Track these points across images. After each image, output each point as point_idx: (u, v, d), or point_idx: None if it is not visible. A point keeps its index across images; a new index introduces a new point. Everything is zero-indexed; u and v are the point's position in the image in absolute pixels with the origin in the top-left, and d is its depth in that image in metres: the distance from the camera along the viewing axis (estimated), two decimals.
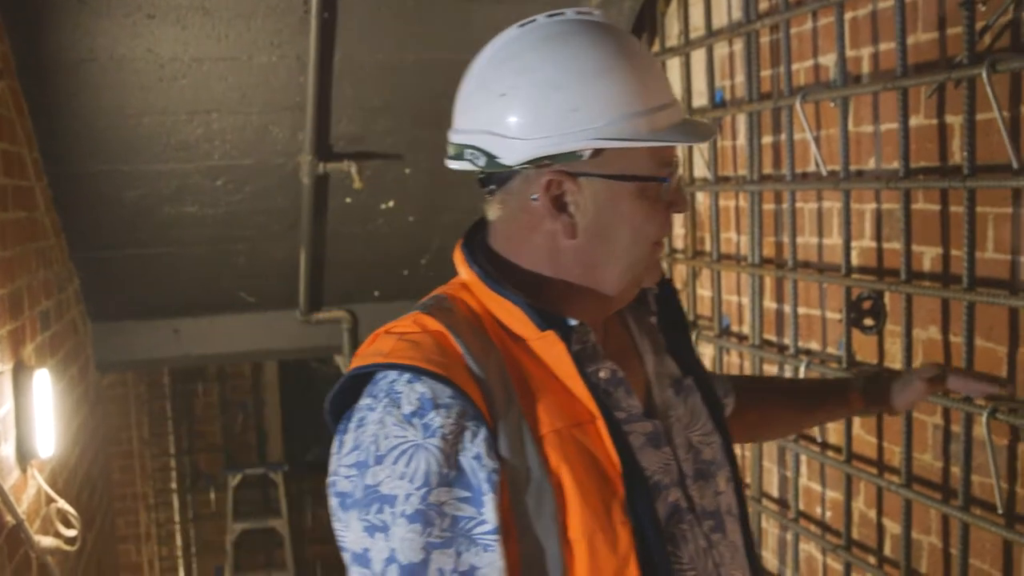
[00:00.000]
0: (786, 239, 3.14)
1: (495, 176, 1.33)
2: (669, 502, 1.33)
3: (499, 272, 1.34)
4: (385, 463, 1.18)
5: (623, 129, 1.26)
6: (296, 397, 7.73)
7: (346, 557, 1.22)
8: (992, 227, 2.39)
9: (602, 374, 1.33)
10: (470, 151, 1.33)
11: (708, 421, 1.46)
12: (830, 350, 3.05)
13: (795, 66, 3.10)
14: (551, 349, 1.28)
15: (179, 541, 7.81)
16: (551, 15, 1.34)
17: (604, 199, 1.30)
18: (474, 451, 1.19)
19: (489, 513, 1.19)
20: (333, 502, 1.24)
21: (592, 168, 1.28)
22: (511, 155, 1.28)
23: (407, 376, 1.22)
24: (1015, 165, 2.24)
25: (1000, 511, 2.33)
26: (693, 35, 3.69)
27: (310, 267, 4.46)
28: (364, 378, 1.27)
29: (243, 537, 7.45)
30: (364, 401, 1.24)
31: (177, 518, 7.77)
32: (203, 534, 7.78)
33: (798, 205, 3.14)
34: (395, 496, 1.17)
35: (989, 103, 2.26)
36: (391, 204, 4.39)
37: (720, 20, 3.51)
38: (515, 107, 1.28)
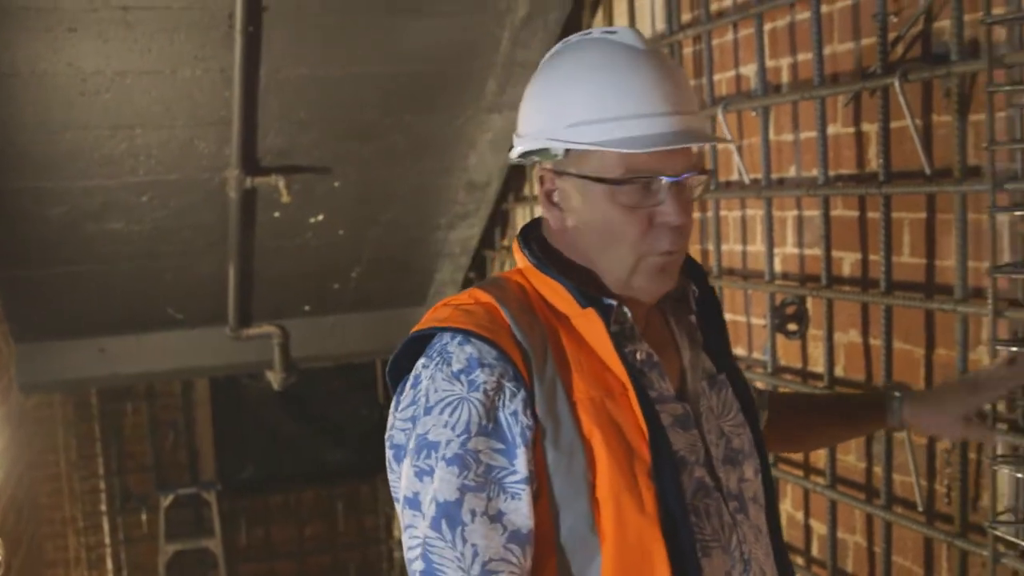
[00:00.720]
0: (711, 247, 3.19)
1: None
2: (695, 477, 1.41)
3: (547, 258, 1.46)
4: (433, 413, 1.32)
5: (583, 132, 1.37)
6: (228, 414, 7.62)
7: (399, 506, 1.36)
8: (908, 232, 2.46)
9: (639, 355, 1.43)
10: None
11: (739, 414, 1.54)
12: (756, 355, 3.10)
13: (717, 76, 3.16)
14: (590, 325, 1.39)
15: (110, 565, 7.64)
16: (584, 33, 1.47)
17: (582, 197, 1.41)
18: (512, 408, 1.32)
19: (520, 465, 1.31)
20: (389, 455, 1.39)
21: (570, 167, 1.41)
22: (515, 151, 1.47)
23: (459, 339, 1.35)
24: (928, 171, 2.31)
25: (920, 508, 2.39)
26: None
27: (239, 282, 4.42)
28: (423, 341, 1.40)
29: (176, 558, 7.31)
30: (420, 361, 1.38)
31: (108, 541, 7.61)
32: (134, 557, 7.63)
33: (722, 213, 3.19)
34: (439, 442, 1.30)
35: (902, 111, 2.32)
36: (320, 217, 4.37)
37: (644, 31, 3.55)
38: (523, 109, 1.47)
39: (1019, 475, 2.06)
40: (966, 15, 2.18)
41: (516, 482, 1.30)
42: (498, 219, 4.93)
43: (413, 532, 1.33)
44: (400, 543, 7.09)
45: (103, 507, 7.61)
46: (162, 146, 3.81)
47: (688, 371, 1.50)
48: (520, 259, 1.49)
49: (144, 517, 7.61)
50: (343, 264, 4.69)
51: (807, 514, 2.91)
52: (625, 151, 1.34)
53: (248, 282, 4.50)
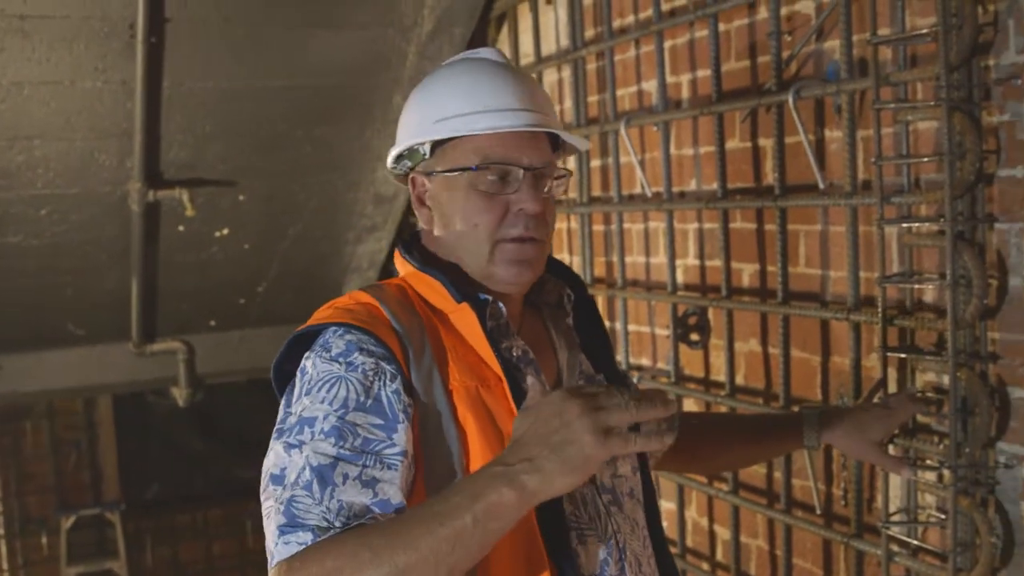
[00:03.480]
0: (615, 259, 3.24)
1: None
2: None
3: (426, 261, 1.56)
4: (311, 394, 1.36)
5: (440, 127, 1.52)
6: (132, 432, 7.45)
7: (263, 484, 1.34)
8: (803, 243, 2.54)
9: (514, 351, 1.50)
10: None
11: None
12: (660, 365, 3.16)
13: (620, 92, 3.22)
14: (465, 320, 1.47)
15: None
16: (451, 59, 1.64)
17: (446, 192, 1.53)
18: (393, 387, 1.37)
19: (400, 438, 1.34)
20: (270, 444, 1.38)
21: (436, 166, 1.54)
22: (389, 158, 1.61)
23: (339, 331, 1.41)
24: (821, 185, 2.39)
25: (818, 511, 2.47)
26: (523, 61, 3.78)
27: (142, 297, 4.33)
28: (305, 343, 1.45)
29: None
30: (304, 358, 1.42)
31: (6, 566, 7.38)
32: None
33: (626, 226, 3.25)
34: (315, 417, 1.33)
35: (796, 127, 2.40)
36: (225, 232, 4.32)
37: (549, 47, 3.60)
38: (399, 123, 1.61)
39: (904, 478, 2.13)
40: (855, 35, 2.27)
41: (394, 454, 1.33)
42: (406, 233, 4.93)
43: (268, 504, 1.31)
44: None
45: (1, 530, 7.38)
46: (61, 158, 3.72)
47: (564, 370, 1.58)
48: (401, 266, 1.59)
49: (44, 540, 7.39)
50: (249, 278, 4.63)
51: (711, 520, 2.97)
52: (477, 132, 1.49)
53: (152, 297, 4.41)
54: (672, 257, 2.94)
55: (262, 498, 1.33)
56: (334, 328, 1.42)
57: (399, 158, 1.59)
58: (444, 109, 1.52)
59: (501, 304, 1.51)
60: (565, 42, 3.48)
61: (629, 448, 1.20)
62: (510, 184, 1.50)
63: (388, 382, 1.37)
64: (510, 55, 3.85)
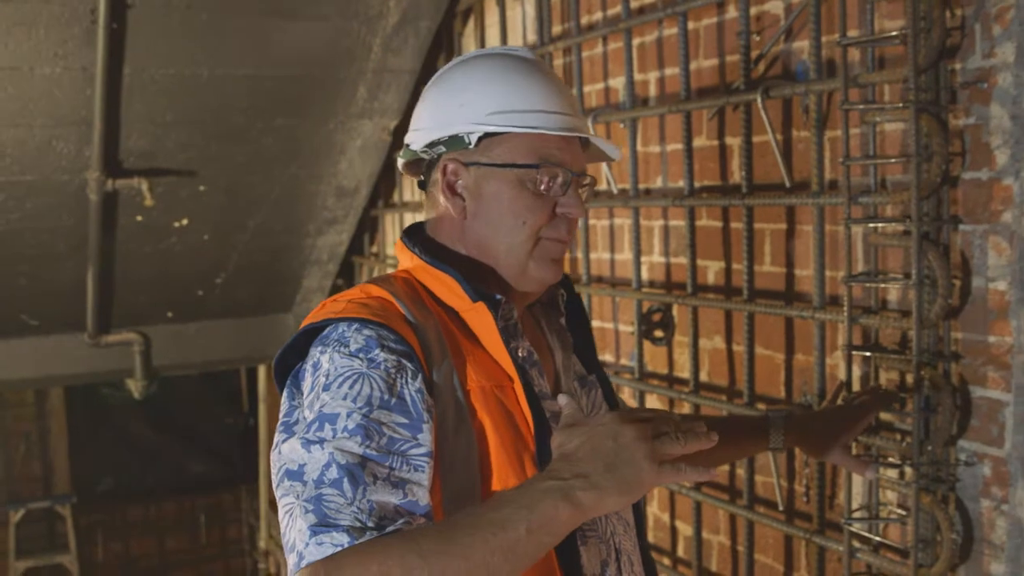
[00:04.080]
0: (580, 255, 3.25)
1: (425, 176, 1.58)
2: None
3: (434, 254, 1.53)
4: (331, 389, 1.31)
5: (498, 120, 1.49)
6: (85, 424, 7.36)
7: (277, 480, 1.29)
8: (769, 242, 2.56)
9: (520, 352, 1.50)
10: (401, 150, 1.60)
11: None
12: (623, 362, 3.17)
13: (587, 88, 3.22)
14: (480, 319, 1.45)
15: None
16: (483, 50, 1.63)
17: (488, 184, 1.51)
18: (416, 386, 1.34)
19: (425, 439, 1.31)
20: (277, 439, 1.34)
21: (479, 157, 1.51)
22: (417, 142, 1.55)
23: (355, 325, 1.37)
24: (788, 184, 2.41)
25: (781, 508, 2.49)
26: None
27: (98, 288, 4.28)
28: (313, 335, 1.41)
29: None
30: (316, 349, 1.38)
31: None
32: None
33: (591, 222, 3.26)
34: (337, 414, 1.28)
35: (764, 126, 2.42)
36: (185, 222, 4.27)
37: (515, 42, 3.60)
38: (426, 106, 1.58)
39: (867, 478, 2.16)
40: (824, 36, 2.29)
41: (419, 455, 1.30)
42: (367, 226, 4.91)
43: (288, 500, 1.26)
44: (265, 554, 6.95)
45: None
46: (18, 145, 3.65)
47: (561, 372, 1.59)
48: (407, 258, 1.55)
49: None
50: (208, 270, 4.58)
51: (673, 516, 2.99)
52: (544, 131, 1.49)
53: (108, 288, 4.35)
54: (638, 254, 2.95)
55: (277, 495, 1.29)
56: (349, 322, 1.38)
57: (433, 143, 1.54)
58: (501, 102, 1.50)
59: (512, 305, 1.51)
60: (532, 37, 3.48)
61: (680, 479, 1.24)
62: (558, 186, 1.50)
63: (411, 380, 1.34)
64: (476, 49, 3.84)
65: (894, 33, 2.05)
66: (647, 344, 3.00)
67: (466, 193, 1.53)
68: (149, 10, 3.41)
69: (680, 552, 2.96)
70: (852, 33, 2.21)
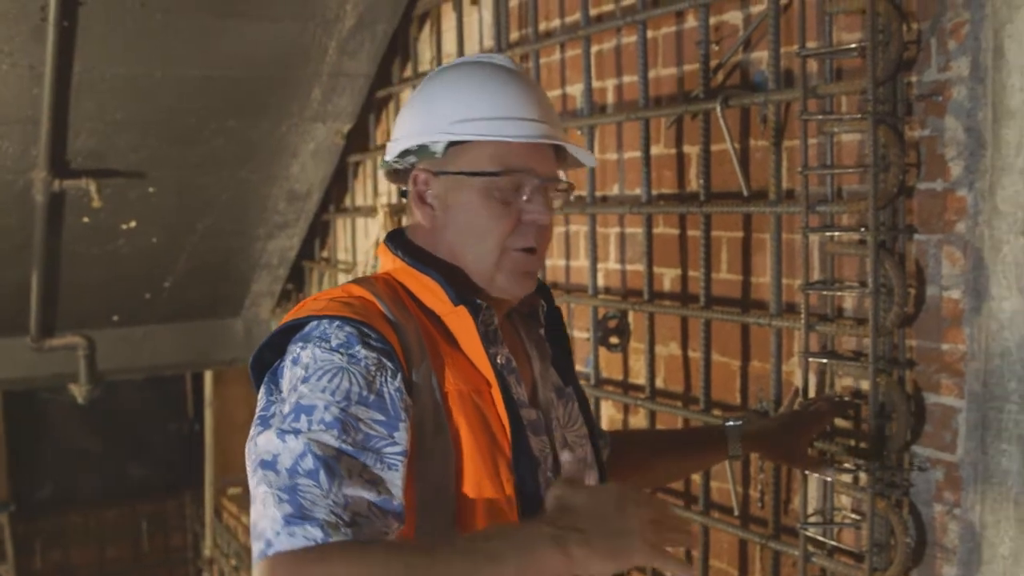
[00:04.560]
0: None
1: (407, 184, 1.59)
2: (547, 475, 1.49)
3: (416, 257, 1.54)
4: (309, 382, 1.31)
5: (461, 128, 1.50)
6: (23, 430, 7.20)
7: (251, 469, 1.28)
8: (726, 250, 2.58)
9: (500, 359, 1.51)
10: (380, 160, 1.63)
11: (583, 427, 1.63)
12: (579, 368, 3.18)
13: None
14: (461, 323, 1.46)
15: None
16: (463, 59, 1.65)
17: (456, 194, 1.51)
18: (395, 385, 1.34)
19: (401, 437, 1.31)
20: (253, 432, 1.33)
21: (447, 166, 1.52)
22: (391, 152, 1.57)
23: (337, 322, 1.37)
24: (745, 192, 2.44)
25: (736, 513, 2.51)
26: (446, 61, 3.75)
27: (42, 290, 4.19)
28: (292, 333, 1.40)
29: None
30: (294, 346, 1.37)
31: None
32: None
33: None
34: (314, 406, 1.28)
35: (723, 135, 2.44)
36: (133, 224, 4.21)
37: (472, 48, 3.60)
38: (402, 115, 1.59)
39: (827, 479, 2.19)
40: (782, 47, 2.32)
41: (395, 453, 1.30)
42: (318, 230, 4.87)
43: (262, 490, 1.25)
44: (209, 562, 6.83)
45: None
46: None
47: (539, 381, 1.59)
48: (388, 260, 1.56)
49: None
50: (156, 273, 4.52)
51: None
52: (503, 138, 1.48)
53: (53, 290, 4.27)
54: (594, 261, 2.97)
55: (251, 485, 1.28)
56: (331, 319, 1.38)
57: (406, 153, 1.56)
58: (466, 111, 1.51)
59: (493, 310, 1.51)
60: (489, 43, 3.48)
61: (665, 567, 1.28)
62: (523, 194, 1.50)
63: (390, 379, 1.34)
64: (432, 55, 3.84)
65: (853, 45, 2.09)
66: (603, 351, 3.01)
67: (436, 202, 1.53)
68: (102, 8, 3.36)
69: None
70: (811, 44, 2.24)
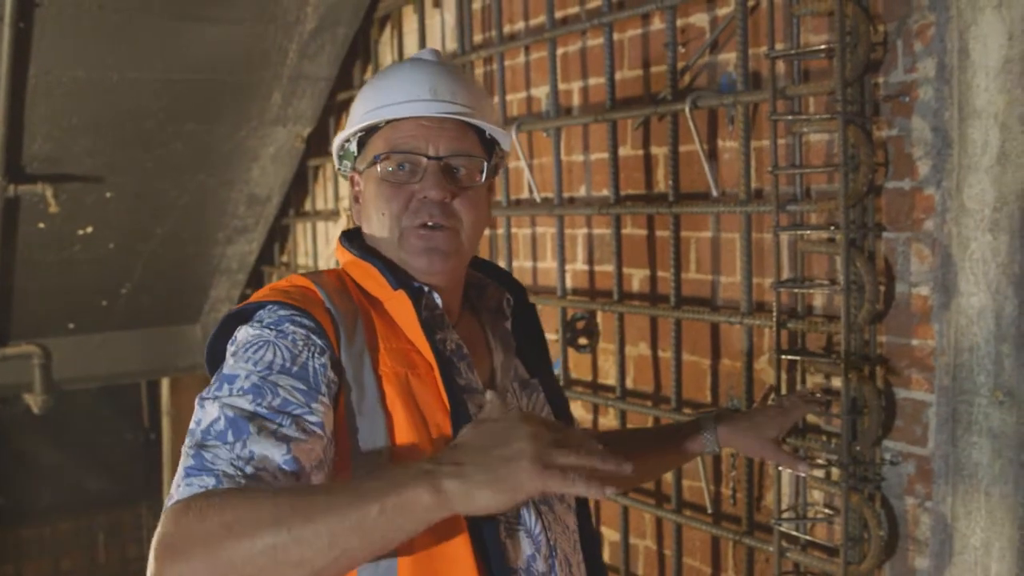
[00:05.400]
0: (502, 263, 3.25)
1: None
2: None
3: (364, 250, 1.56)
4: (237, 356, 1.34)
5: (361, 121, 1.55)
6: None
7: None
8: (695, 250, 2.60)
9: (449, 344, 1.50)
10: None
11: (550, 418, 1.57)
12: None
13: (509, 97, 3.24)
14: (401, 307, 1.47)
15: None
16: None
17: (367, 185, 1.56)
18: (321, 360, 1.35)
19: (318, 409, 1.31)
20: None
21: (361, 164, 1.58)
22: (337, 162, 1.64)
23: (274, 307, 1.41)
24: (715, 193, 2.46)
25: (709, 511, 2.53)
26: None
27: None
28: (238, 320, 1.43)
29: None
30: (236, 330, 1.41)
31: None
32: None
33: (513, 231, 3.27)
34: (236, 375, 1.31)
35: (690, 136, 2.46)
36: (90, 230, 4.14)
37: None
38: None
39: (801, 474, 2.22)
40: (750, 49, 2.35)
41: (312, 423, 1.29)
42: (277, 235, 4.84)
43: (183, 451, 1.27)
44: None
45: None
46: None
47: (498, 370, 1.58)
48: (341, 255, 1.59)
49: None
50: (113, 279, 4.45)
51: (598, 521, 3.01)
52: (370, 122, 1.52)
53: (6, 298, 4.19)
54: (562, 262, 2.97)
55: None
56: (269, 304, 1.42)
57: (340, 159, 1.63)
58: (366, 104, 1.56)
59: (436, 295, 1.52)
60: (452, 46, 3.48)
61: (566, 488, 1.15)
62: (417, 174, 1.51)
63: (316, 355, 1.35)
64: (394, 57, 3.83)
65: (823, 47, 2.12)
66: (571, 352, 3.02)
67: (362, 198, 1.59)
68: (58, 10, 3.31)
69: (607, 558, 2.99)
70: (779, 46, 2.26)
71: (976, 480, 1.95)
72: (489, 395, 1.31)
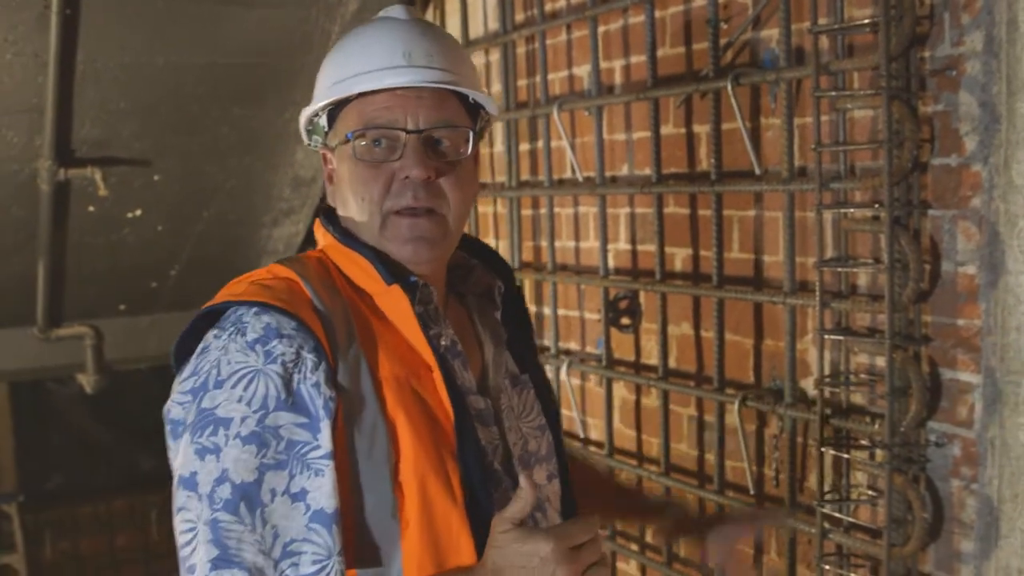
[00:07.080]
0: (544, 243, 3.25)
1: None
2: (493, 469, 1.40)
3: (348, 234, 1.42)
4: (224, 387, 1.23)
5: (329, 93, 1.41)
6: (31, 420, 7.19)
7: (175, 483, 1.24)
8: (737, 229, 2.58)
9: (443, 340, 1.40)
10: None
11: (540, 416, 1.52)
12: (589, 349, 3.18)
13: (551, 76, 3.22)
14: (396, 303, 1.35)
15: None
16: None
17: (339, 164, 1.42)
18: (313, 379, 1.25)
19: (324, 438, 1.24)
20: (167, 431, 1.27)
21: (332, 140, 1.44)
22: (304, 135, 1.52)
23: (255, 309, 1.27)
24: (757, 171, 2.43)
25: (752, 492, 2.51)
26: None
27: (49, 280, 4.18)
28: (213, 318, 1.31)
29: None
30: (211, 333, 1.29)
31: None
32: None
33: (556, 210, 3.26)
34: (231, 419, 1.21)
35: (732, 113, 2.43)
36: (138, 213, 4.19)
37: (477, 30, 3.58)
38: None
39: (845, 455, 2.19)
40: (793, 24, 2.31)
41: (320, 457, 1.23)
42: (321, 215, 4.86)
43: (187, 516, 1.22)
44: None
45: None
46: None
47: (490, 367, 1.48)
48: (322, 237, 1.45)
49: None
50: (162, 262, 4.51)
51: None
52: (336, 97, 1.38)
53: (59, 280, 4.26)
54: (604, 241, 2.96)
55: (175, 498, 1.24)
56: (249, 306, 1.28)
57: (310, 133, 1.50)
58: (335, 74, 1.41)
59: (433, 289, 1.40)
60: (494, 25, 3.46)
61: None
62: (396, 150, 1.36)
63: (308, 374, 1.25)
64: None
65: (867, 21, 2.08)
66: (614, 331, 3.01)
67: (336, 176, 1.45)
68: None
69: (648, 537, 2.98)
70: (821, 21, 2.23)
71: (1023, 463, 1.92)
72: (523, 481, 1.24)
